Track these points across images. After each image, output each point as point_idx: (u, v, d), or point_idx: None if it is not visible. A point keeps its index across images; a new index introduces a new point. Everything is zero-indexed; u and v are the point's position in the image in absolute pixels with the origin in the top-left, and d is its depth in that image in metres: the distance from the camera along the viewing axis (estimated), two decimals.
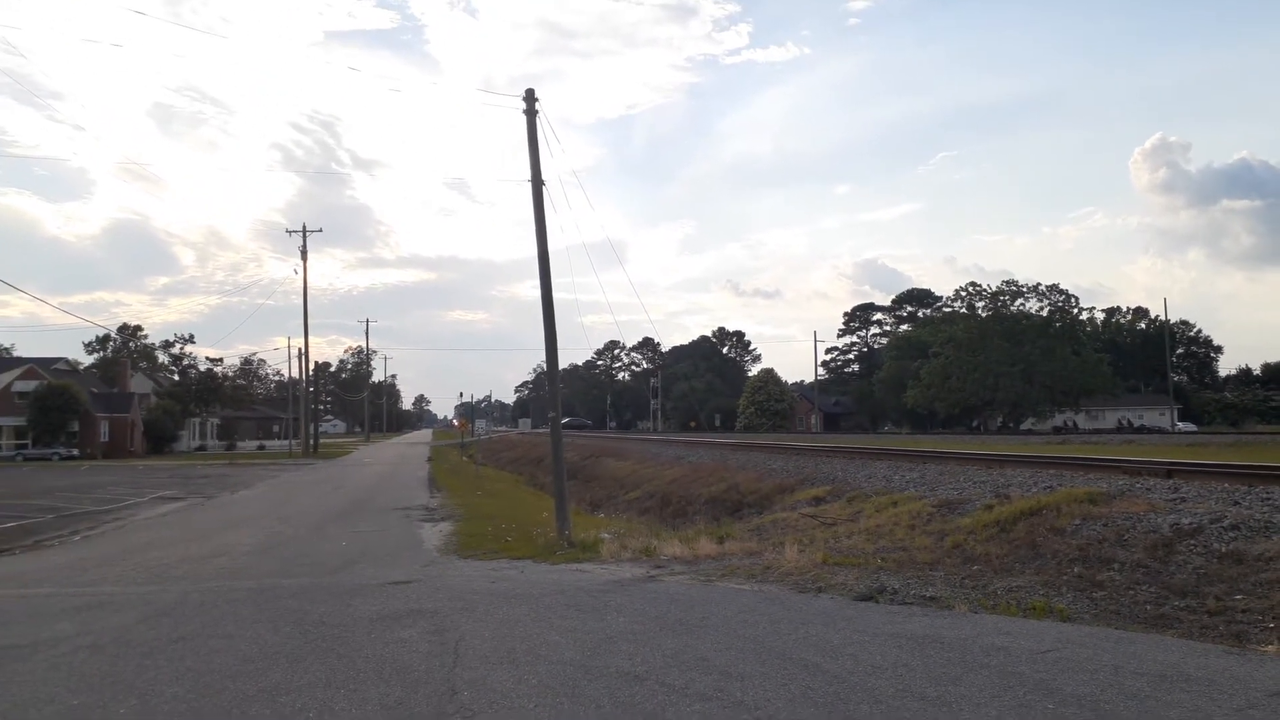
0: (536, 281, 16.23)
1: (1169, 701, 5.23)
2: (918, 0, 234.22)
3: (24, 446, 59.49)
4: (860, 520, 14.38)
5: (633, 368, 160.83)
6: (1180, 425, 74.57)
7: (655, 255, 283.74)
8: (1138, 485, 12.62)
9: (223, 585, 10.77)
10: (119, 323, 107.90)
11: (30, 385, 60.80)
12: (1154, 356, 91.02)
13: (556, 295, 16.19)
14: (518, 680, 6.02)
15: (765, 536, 14.24)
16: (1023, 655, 6.34)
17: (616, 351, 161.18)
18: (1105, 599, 8.41)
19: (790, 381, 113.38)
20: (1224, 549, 8.99)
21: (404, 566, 12.13)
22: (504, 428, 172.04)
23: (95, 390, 67.71)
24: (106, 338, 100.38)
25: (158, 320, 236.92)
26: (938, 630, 7.21)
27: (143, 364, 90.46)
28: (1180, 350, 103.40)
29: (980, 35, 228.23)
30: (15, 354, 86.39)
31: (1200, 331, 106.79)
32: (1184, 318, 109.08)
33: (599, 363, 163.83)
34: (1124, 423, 79.05)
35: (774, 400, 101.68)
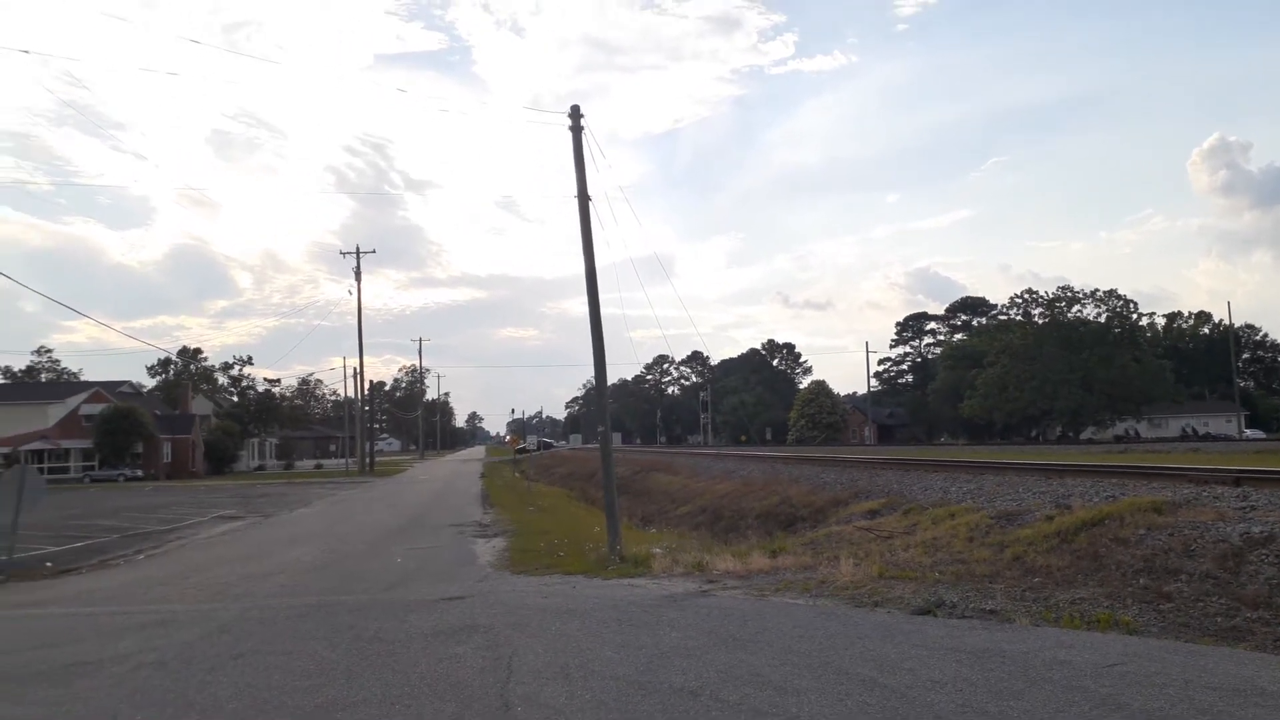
0: (585, 298, 16.29)
1: (1242, 717, 5.04)
2: (965, 3, 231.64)
3: (90, 468, 61.12)
4: (916, 533, 14.14)
5: (682, 382, 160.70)
6: (1248, 432, 72.54)
7: (703, 269, 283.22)
8: (1205, 494, 12.24)
9: (282, 603, 10.94)
10: (180, 346, 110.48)
11: (97, 408, 62.48)
12: (1219, 362, 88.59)
13: (605, 310, 16.23)
14: (571, 695, 6.00)
15: (819, 550, 14.07)
16: (1087, 669, 6.17)
17: (665, 366, 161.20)
18: (1173, 611, 8.16)
19: (843, 393, 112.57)
20: None
21: (458, 582, 12.21)
22: (558, 442, 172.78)
23: (158, 412, 69.40)
24: (168, 361, 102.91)
25: (217, 343, 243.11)
26: (998, 644, 7.05)
27: (203, 386, 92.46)
28: (1246, 355, 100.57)
29: (1030, 35, 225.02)
30: (82, 378, 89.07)
31: (1267, 335, 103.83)
32: (1250, 321, 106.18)
33: (648, 377, 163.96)
34: (1188, 430, 77.01)
35: (825, 413, 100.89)
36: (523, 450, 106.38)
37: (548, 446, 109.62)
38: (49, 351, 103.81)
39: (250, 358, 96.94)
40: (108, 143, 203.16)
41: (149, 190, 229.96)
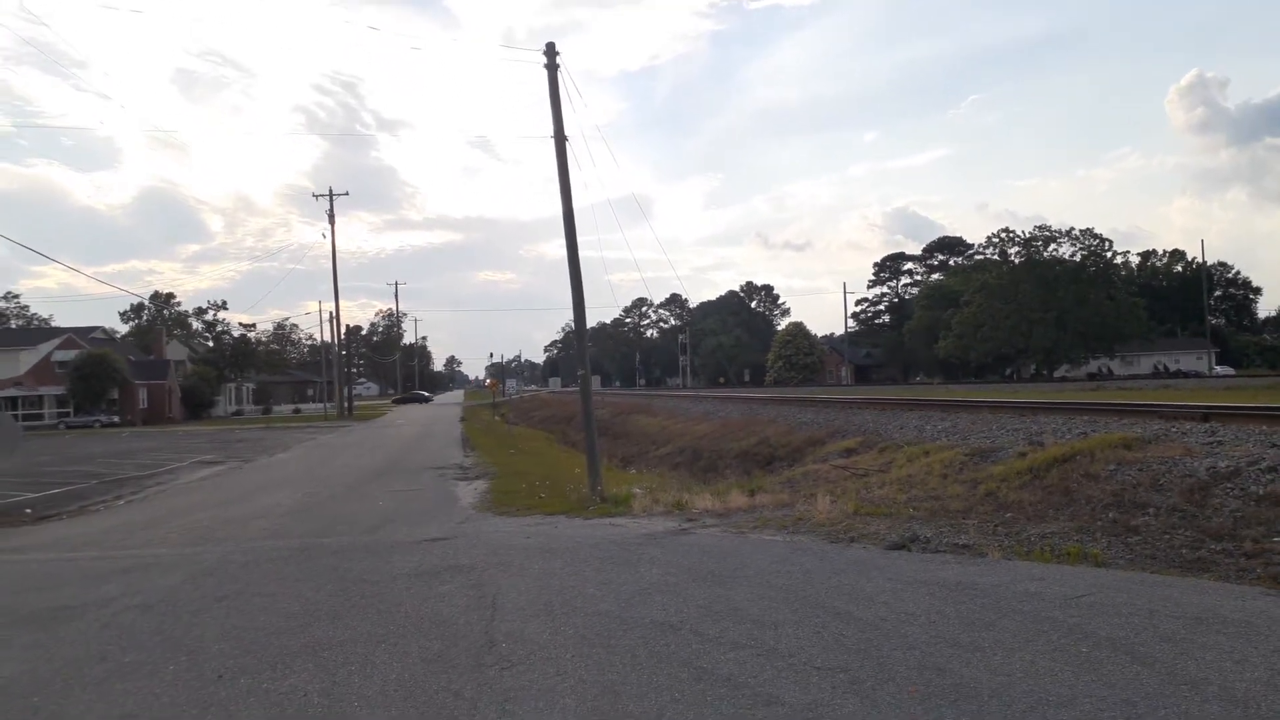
0: (563, 240, 16.21)
1: (1204, 644, 5.22)
2: None
3: (65, 415, 60.73)
4: (892, 470, 14.36)
5: (660, 325, 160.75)
6: (1218, 369, 73.63)
7: (682, 210, 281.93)
8: (1173, 429, 12.47)
9: (264, 545, 11.00)
10: (152, 291, 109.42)
11: (69, 354, 61.88)
12: (1191, 300, 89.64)
13: (583, 253, 16.18)
14: (554, 632, 6.12)
15: (797, 488, 14.27)
16: (1056, 600, 6.34)
17: (644, 309, 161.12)
18: (1140, 544, 8.37)
19: (821, 334, 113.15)
20: (1261, 491, 8.90)
21: (440, 524, 12.31)
22: (534, 387, 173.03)
23: (132, 358, 68.80)
24: (141, 306, 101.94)
25: (190, 288, 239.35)
26: (970, 577, 7.22)
27: (177, 331, 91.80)
28: (1218, 293, 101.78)
29: None
30: (54, 324, 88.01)
31: (1239, 273, 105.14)
32: (1222, 259, 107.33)
33: (627, 320, 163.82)
34: (1160, 367, 78.09)
35: (803, 354, 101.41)
36: (404, 399, 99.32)
37: (420, 399, 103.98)
38: (16, 297, 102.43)
39: (224, 302, 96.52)
40: (70, 82, 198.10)
41: (114, 131, 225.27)
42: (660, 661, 5.36)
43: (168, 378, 68.02)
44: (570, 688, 4.98)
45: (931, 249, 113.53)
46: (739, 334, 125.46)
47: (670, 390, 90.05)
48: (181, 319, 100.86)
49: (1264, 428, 11.77)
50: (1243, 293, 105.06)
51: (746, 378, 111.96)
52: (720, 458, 23.79)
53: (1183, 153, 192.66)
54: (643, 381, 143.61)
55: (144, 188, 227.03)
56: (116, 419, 60.24)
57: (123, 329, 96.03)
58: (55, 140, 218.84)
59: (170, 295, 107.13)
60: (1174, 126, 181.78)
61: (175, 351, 77.83)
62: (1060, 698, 4.49)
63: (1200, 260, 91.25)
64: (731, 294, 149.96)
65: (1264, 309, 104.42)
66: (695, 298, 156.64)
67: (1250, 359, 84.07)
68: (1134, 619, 5.78)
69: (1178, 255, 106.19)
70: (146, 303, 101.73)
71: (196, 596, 7.96)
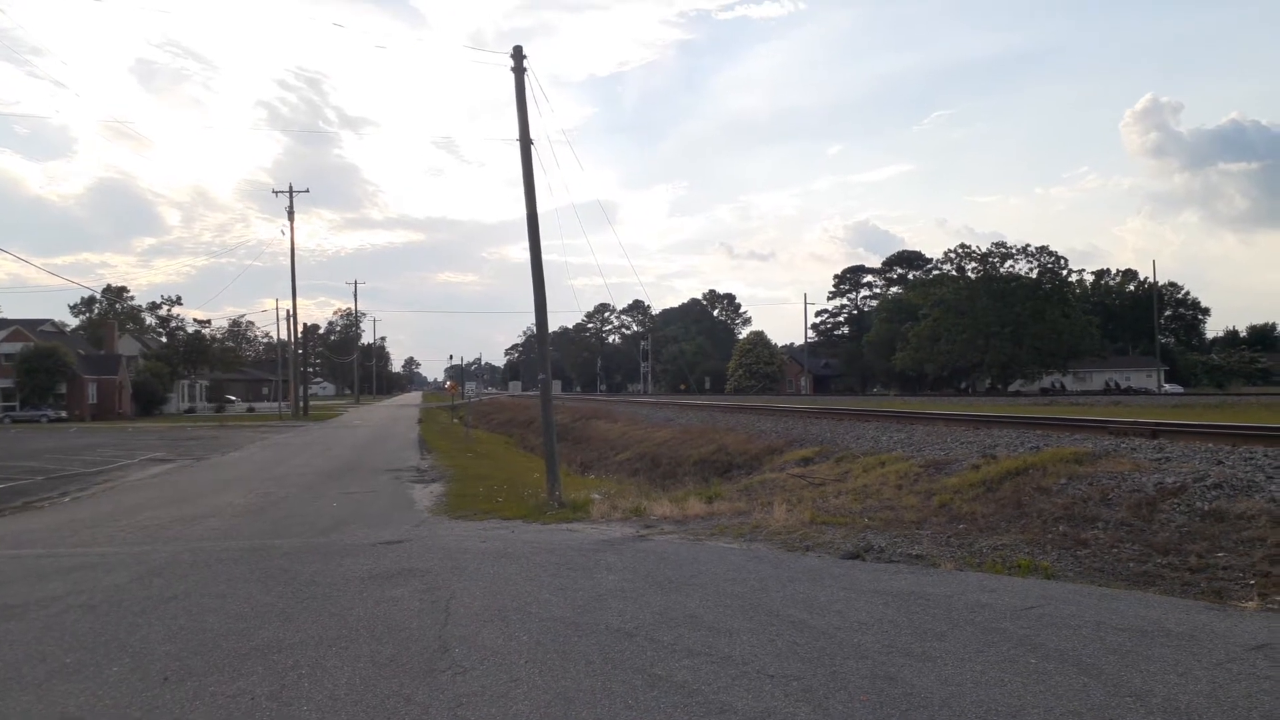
0: (526, 243, 16.15)
1: (1149, 656, 5.32)
2: None
3: (11, 408, 59.27)
4: (848, 480, 14.48)
5: (623, 330, 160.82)
6: (1167, 387, 75.23)
7: (647, 217, 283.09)
8: (1123, 445, 12.73)
9: (214, 545, 10.82)
10: (105, 284, 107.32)
11: (16, 347, 60.43)
12: (1142, 318, 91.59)
13: (546, 257, 16.15)
14: (508, 637, 6.08)
15: (754, 497, 14.33)
16: (1006, 612, 6.43)
17: (607, 314, 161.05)
18: (1089, 557, 8.51)
19: (782, 344, 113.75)
20: (1206, 507, 9.10)
21: (395, 527, 12.19)
22: (494, 390, 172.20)
23: (82, 352, 67.30)
24: (92, 299, 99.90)
25: (144, 282, 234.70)
26: (923, 587, 7.30)
27: (130, 326, 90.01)
28: (1168, 312, 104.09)
29: None
30: (1, 316, 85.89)
31: (1188, 294, 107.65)
32: (1173, 280, 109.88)
33: (589, 325, 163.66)
34: (1111, 384, 79.60)
35: (763, 363, 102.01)
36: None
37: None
38: None
39: (179, 298, 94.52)
40: (23, 68, 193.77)
41: (70, 120, 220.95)
42: (615, 668, 5.35)
43: (119, 373, 66.65)
44: (524, 694, 4.96)
45: (891, 262, 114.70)
46: (701, 341, 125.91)
47: (631, 396, 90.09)
48: (134, 313, 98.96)
49: (1210, 445, 12.07)
50: (1192, 313, 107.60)
51: (707, 385, 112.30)
52: (679, 465, 23.84)
53: (1138, 175, 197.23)
54: (604, 387, 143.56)
55: (99, 179, 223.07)
56: (64, 414, 58.92)
57: (73, 322, 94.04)
58: (7, 127, 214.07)
59: (123, 289, 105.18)
60: (1129, 150, 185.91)
61: (127, 346, 76.31)
62: (1009, 708, 4.56)
63: (1152, 280, 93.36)
64: (694, 302, 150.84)
65: (1212, 329, 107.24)
66: (658, 304, 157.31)
67: (1198, 378, 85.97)
68: (1082, 631, 5.88)
69: (1130, 275, 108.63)
70: (98, 296, 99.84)
71: (143, 597, 7.80)
